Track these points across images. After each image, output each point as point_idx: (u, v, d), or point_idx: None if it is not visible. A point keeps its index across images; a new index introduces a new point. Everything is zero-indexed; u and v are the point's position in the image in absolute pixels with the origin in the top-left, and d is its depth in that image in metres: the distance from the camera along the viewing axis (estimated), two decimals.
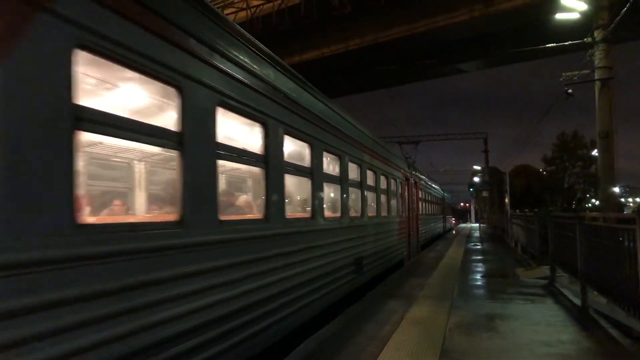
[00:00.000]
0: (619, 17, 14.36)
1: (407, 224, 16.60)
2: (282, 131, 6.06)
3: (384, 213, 12.72)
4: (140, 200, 7.08)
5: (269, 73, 5.78)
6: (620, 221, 7.13)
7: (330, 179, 8.37)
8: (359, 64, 31.70)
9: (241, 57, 5.12)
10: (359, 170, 10.11)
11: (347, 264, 8.88)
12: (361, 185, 10.15)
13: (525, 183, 68.47)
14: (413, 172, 18.85)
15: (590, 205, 66.01)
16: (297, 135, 6.67)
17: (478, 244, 26.05)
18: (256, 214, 6.08)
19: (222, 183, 7.35)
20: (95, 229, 3.28)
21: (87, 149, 5.73)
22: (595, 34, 15.92)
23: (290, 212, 6.88)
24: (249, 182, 8.57)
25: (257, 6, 28.31)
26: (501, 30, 26.67)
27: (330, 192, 8.66)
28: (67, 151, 2.96)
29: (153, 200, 6.92)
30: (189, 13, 4.27)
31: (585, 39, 16.42)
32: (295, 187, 7.69)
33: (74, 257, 2.99)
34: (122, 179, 7.07)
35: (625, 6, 13.73)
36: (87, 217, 4.12)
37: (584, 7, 15.63)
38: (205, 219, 4.36)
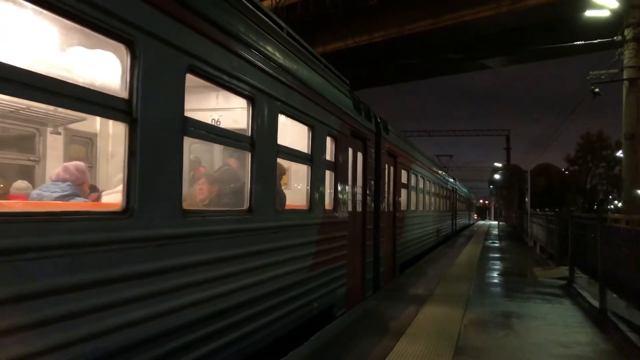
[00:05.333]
0: None
1: (452, 216, 28.31)
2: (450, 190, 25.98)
3: (446, 209, 24.69)
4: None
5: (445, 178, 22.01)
6: None
7: (433, 194, 18.96)
8: (382, 57, 31.50)
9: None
10: (441, 189, 21.96)
11: (434, 231, 19.67)
12: (442, 196, 22.07)
13: (547, 182, 67.44)
14: (456, 184, 32.76)
15: (612, 207, 64.82)
16: (440, 184, 22.10)
17: (496, 241, 25.90)
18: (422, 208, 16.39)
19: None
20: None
21: None
22: (626, 32, 15.59)
23: (420, 207, 16.06)
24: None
25: None
26: (528, 26, 26.22)
27: (433, 200, 19.14)
28: None
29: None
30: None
31: (615, 38, 16.08)
32: (432, 200, 19.05)
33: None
34: None
35: None
36: None
37: (614, 4, 15.28)
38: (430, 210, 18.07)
